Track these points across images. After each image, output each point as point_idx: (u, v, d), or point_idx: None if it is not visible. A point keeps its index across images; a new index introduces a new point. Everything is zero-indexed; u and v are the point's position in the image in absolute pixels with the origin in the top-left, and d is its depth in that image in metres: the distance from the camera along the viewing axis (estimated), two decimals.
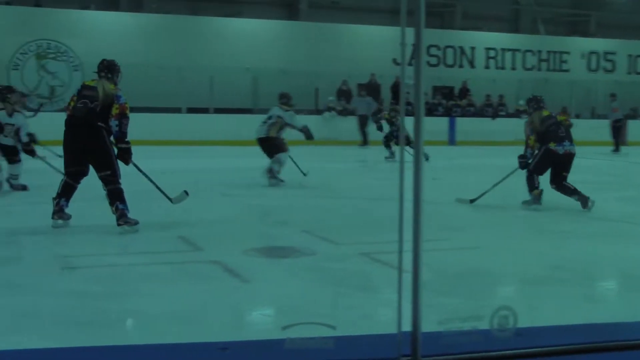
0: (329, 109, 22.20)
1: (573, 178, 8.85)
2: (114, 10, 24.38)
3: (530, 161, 8.86)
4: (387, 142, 16.24)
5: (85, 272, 5.60)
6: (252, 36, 23.88)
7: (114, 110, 6.82)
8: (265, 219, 8.53)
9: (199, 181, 10.74)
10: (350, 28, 25.44)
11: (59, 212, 7.00)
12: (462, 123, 23.41)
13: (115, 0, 25.08)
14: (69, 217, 7.07)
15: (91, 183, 7.14)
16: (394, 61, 23.59)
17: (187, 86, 20.66)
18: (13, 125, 9.81)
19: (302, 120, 12.16)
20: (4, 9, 22.41)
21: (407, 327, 2.38)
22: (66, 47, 22.17)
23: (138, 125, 18.88)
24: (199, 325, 4.23)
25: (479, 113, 24.67)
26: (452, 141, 22.95)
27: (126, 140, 6.93)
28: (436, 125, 21.14)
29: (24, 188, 10.05)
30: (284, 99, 11.66)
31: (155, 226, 7.34)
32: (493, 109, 24.77)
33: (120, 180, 6.92)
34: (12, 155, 9.95)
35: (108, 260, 6.00)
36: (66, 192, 7.04)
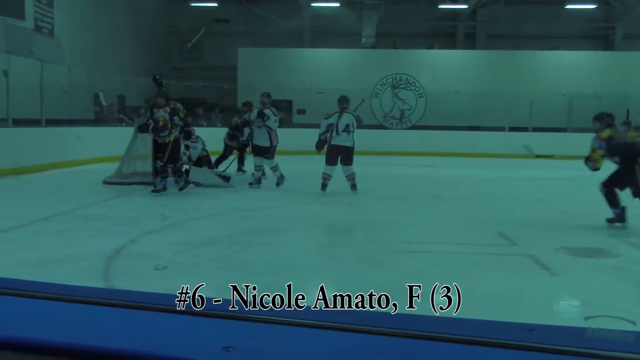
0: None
1: None
2: (452, 48, 24.81)
3: None
4: None
5: (422, 256, 5.67)
6: (568, 66, 22.61)
7: None
8: (572, 222, 7.85)
9: (517, 188, 10.40)
10: None
11: None
12: None
13: (453, 40, 25.46)
14: None
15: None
16: None
17: (510, 109, 20.27)
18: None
19: None
20: (370, 52, 23.89)
21: None
22: (414, 79, 22.99)
23: (465, 141, 19.16)
24: (511, 308, 4.10)
25: None
26: None
27: None
28: None
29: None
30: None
31: (477, 222, 7.29)
32: None
33: None
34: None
35: (438, 247, 6.05)
36: None
